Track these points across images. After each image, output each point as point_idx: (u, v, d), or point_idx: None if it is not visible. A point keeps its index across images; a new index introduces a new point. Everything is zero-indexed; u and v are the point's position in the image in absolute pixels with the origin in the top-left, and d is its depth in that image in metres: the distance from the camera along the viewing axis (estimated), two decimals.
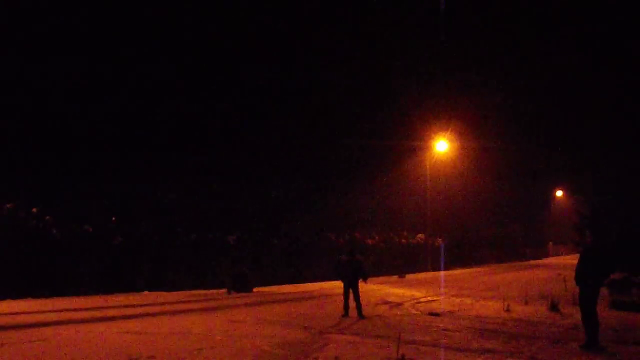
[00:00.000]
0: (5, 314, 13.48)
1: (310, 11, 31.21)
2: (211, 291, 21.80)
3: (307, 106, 32.47)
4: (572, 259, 32.48)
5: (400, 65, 34.35)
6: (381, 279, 29.90)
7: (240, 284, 21.52)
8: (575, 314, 13.17)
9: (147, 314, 13.85)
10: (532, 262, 53.19)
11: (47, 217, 20.19)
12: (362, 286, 14.77)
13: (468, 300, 17.78)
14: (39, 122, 23.50)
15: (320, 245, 30.07)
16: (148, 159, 26.16)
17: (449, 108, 39.16)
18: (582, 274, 10.28)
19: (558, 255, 66.57)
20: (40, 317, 12.89)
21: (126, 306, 15.82)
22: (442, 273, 34.60)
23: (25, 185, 21.12)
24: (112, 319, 12.86)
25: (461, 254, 44.58)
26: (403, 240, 38.15)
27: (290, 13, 31.72)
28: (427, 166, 38.06)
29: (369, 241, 34.53)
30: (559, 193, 66.34)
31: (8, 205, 19.13)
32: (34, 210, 19.88)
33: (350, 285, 13.71)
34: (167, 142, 27.59)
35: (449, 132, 37.52)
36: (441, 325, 12.38)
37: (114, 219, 22.79)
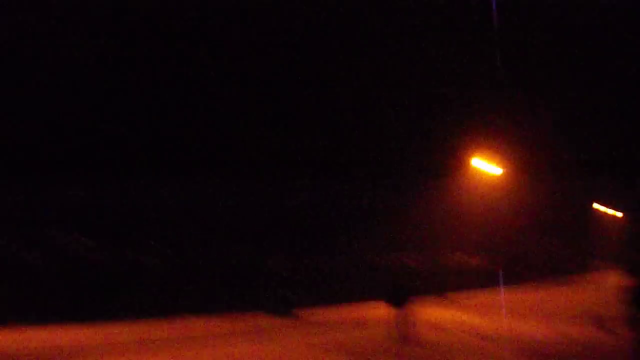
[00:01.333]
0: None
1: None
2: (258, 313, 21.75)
3: (342, 122, 32.51)
4: (617, 276, 32.12)
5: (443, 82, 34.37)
6: (427, 300, 29.84)
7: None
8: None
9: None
10: (575, 278, 52.62)
11: (89, 243, 20.38)
12: (413, 310, 14.66)
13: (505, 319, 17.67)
14: None
15: (363, 267, 30.05)
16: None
17: (488, 124, 38.98)
18: (629, 292, 10.18)
19: (603, 271, 65.91)
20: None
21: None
22: (480, 292, 34.37)
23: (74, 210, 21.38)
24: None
25: (503, 272, 44.28)
26: (444, 260, 38.02)
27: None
28: (468, 184, 37.96)
29: (411, 262, 34.45)
30: (602, 209, 65.68)
31: (51, 231, 19.37)
32: (76, 235, 20.10)
33: (400, 310, 13.61)
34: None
35: (487, 150, 37.41)
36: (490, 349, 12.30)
37: (153, 242, 22.98)
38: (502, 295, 31.64)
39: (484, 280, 38.28)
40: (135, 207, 23.48)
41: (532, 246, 50.97)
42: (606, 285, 37.24)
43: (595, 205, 64.76)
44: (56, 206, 21.03)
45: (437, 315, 21.15)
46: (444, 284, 35.22)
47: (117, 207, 23.06)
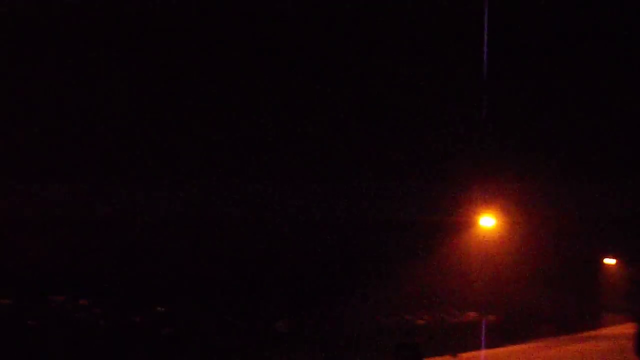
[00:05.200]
0: None
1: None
2: None
3: (350, 181, 32.38)
4: (629, 328, 31.69)
5: (445, 138, 34.21)
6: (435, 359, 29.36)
7: None
8: None
9: None
10: (588, 333, 51.92)
11: (96, 310, 20.32)
12: None
13: None
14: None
15: (369, 328, 29.72)
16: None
17: (495, 182, 38.86)
18: None
19: (613, 325, 65.01)
20: None
21: None
22: (491, 351, 33.89)
23: (74, 275, 21.32)
24: None
25: (515, 329, 43.72)
26: (454, 319, 37.55)
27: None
28: (475, 242, 37.74)
29: (420, 322, 34.03)
30: (611, 261, 65.19)
31: (59, 298, 19.32)
32: (83, 302, 20.04)
33: None
34: None
35: (494, 207, 37.26)
36: None
37: (160, 308, 22.89)
38: (515, 354, 31.24)
39: (496, 338, 37.82)
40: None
41: (543, 301, 50.41)
42: (618, 337, 36.68)
43: (604, 258, 64.37)
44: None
45: None
46: (455, 343, 34.80)
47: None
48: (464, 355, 32.28)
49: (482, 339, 37.21)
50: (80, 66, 24.76)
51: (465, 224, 37.73)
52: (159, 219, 25.77)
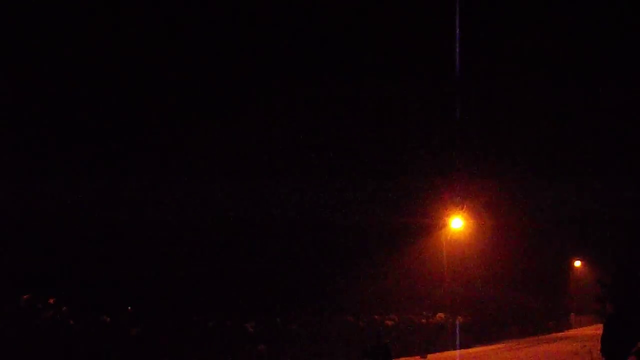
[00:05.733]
0: None
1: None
2: None
3: (320, 185, 32.41)
4: (596, 330, 31.97)
5: (415, 142, 34.36)
6: None
7: None
8: None
9: None
10: (556, 334, 52.35)
11: (64, 308, 20.12)
12: None
13: None
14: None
15: (338, 329, 29.75)
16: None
17: (465, 185, 39.08)
18: (608, 344, 10.10)
19: (581, 326, 65.56)
20: None
21: None
22: (460, 352, 34.08)
23: (42, 273, 21.15)
24: None
25: (483, 331, 43.95)
26: (423, 320, 37.63)
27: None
28: (444, 243, 37.92)
29: (389, 322, 34.07)
30: (578, 263, 65.81)
31: (25, 297, 19.11)
32: (51, 301, 19.83)
33: None
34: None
35: (464, 210, 37.50)
36: None
37: (130, 308, 22.73)
38: (484, 355, 31.46)
39: (465, 339, 38.03)
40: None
41: (512, 303, 50.79)
42: (586, 339, 36.97)
43: (573, 260, 65.12)
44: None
45: None
46: (424, 344, 34.98)
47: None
48: (433, 356, 32.47)
49: (451, 339, 37.43)
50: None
51: (435, 226, 37.98)
52: (127, 217, 25.66)
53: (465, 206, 37.66)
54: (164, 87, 27.68)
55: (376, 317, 33.21)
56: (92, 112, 25.73)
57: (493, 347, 38.41)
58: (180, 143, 28.26)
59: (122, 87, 26.16)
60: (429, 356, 31.65)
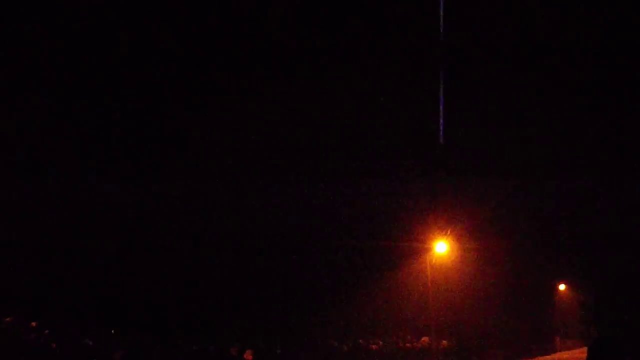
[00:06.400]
0: None
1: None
2: None
3: (303, 209, 32.39)
4: (581, 353, 32.00)
5: (398, 166, 34.34)
6: None
7: None
8: None
9: None
10: (540, 358, 52.33)
11: (46, 331, 20.00)
12: None
13: None
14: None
15: (322, 353, 29.66)
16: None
17: (449, 208, 39.12)
18: None
19: (566, 349, 65.63)
20: None
21: None
22: None
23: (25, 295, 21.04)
24: None
25: (468, 354, 43.90)
26: (407, 344, 37.58)
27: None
28: (428, 267, 37.93)
29: (373, 347, 34.00)
30: (562, 287, 65.96)
31: (7, 319, 18.99)
32: (34, 324, 19.73)
33: None
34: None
35: (448, 234, 37.53)
36: None
37: (113, 331, 22.63)
38: None
39: None
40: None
41: (496, 326, 50.76)
42: None
43: (557, 283, 65.13)
44: None
45: None
46: None
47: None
48: None
49: None
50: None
51: (419, 250, 37.98)
52: (112, 240, 25.56)
53: (449, 230, 37.72)
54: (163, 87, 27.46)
55: (360, 341, 33.13)
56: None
57: None
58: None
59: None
60: None
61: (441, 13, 24.27)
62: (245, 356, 25.28)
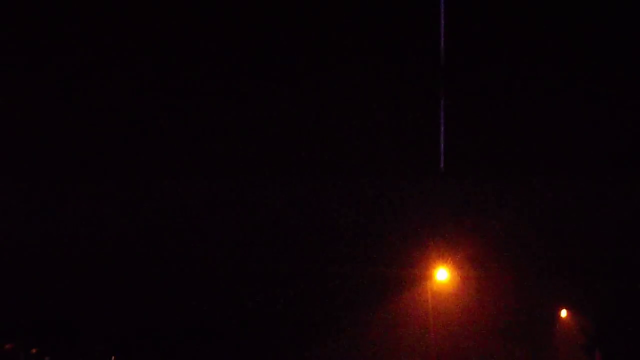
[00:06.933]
0: None
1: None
2: None
3: (298, 236, 32.35)
4: None
5: (397, 191, 34.44)
6: None
7: None
8: None
9: None
10: None
11: (47, 358, 19.98)
12: None
13: None
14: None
15: None
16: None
17: (449, 235, 39.09)
18: None
19: None
20: None
21: None
22: None
23: (24, 321, 21.02)
24: None
25: None
26: None
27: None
28: (429, 294, 37.91)
29: None
30: (564, 313, 65.62)
31: (7, 346, 18.97)
32: (34, 350, 19.70)
33: None
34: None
35: (449, 260, 37.52)
36: None
37: (114, 357, 22.61)
38: None
39: None
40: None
41: (498, 354, 50.48)
42: None
43: (559, 310, 64.75)
44: None
45: None
46: None
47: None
48: None
49: None
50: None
51: (419, 277, 37.92)
52: (110, 263, 25.56)
53: (450, 258, 37.75)
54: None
55: None
56: None
57: None
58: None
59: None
60: None
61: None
62: None
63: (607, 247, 38.99)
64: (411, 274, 37.90)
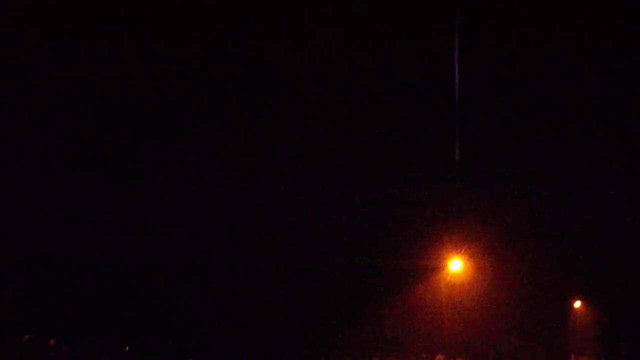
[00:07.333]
0: None
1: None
2: None
3: (317, 228, 32.29)
4: None
5: (412, 183, 34.31)
6: None
7: None
8: None
9: None
10: None
11: (65, 349, 20.00)
12: None
13: None
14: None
15: None
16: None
17: (464, 226, 38.96)
18: None
19: None
20: None
21: None
22: None
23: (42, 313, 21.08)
24: None
25: None
26: None
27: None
28: (443, 285, 37.87)
29: None
30: (578, 304, 65.40)
31: (25, 337, 19.00)
32: (52, 342, 19.72)
33: None
34: None
35: (463, 251, 37.46)
36: None
37: (127, 347, 22.67)
38: None
39: None
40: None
41: (512, 344, 50.46)
42: None
43: (572, 301, 64.51)
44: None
45: None
46: None
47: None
48: None
49: None
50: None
51: (434, 268, 37.87)
52: (125, 258, 25.62)
53: (464, 248, 37.65)
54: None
55: (374, 359, 33.02)
56: None
57: None
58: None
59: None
60: None
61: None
62: None
63: (620, 241, 38.87)
64: (425, 264, 37.86)
